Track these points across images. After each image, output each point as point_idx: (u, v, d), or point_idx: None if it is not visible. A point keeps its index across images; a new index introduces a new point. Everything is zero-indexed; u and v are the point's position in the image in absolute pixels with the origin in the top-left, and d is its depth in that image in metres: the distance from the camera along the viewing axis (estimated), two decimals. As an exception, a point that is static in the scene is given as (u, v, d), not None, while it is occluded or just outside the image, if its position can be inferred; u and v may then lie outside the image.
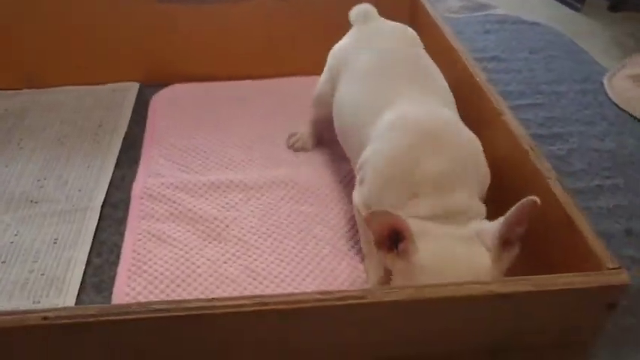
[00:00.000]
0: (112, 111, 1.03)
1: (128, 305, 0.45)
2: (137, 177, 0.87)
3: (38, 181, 0.86)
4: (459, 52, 0.85)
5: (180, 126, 0.98)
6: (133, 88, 1.09)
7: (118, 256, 0.75)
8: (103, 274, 0.73)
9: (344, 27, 0.91)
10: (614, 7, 1.61)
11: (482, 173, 0.66)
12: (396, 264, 0.57)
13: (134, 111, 1.03)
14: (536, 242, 0.61)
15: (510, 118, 0.71)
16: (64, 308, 0.45)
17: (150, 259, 0.73)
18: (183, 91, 1.08)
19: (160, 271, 0.72)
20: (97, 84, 1.09)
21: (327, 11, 1.05)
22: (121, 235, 0.78)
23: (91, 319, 0.44)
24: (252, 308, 0.45)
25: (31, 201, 0.83)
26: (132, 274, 0.71)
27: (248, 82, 1.10)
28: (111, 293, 0.69)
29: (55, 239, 0.77)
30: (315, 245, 0.76)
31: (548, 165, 0.63)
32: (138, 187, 0.85)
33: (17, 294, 0.69)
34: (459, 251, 0.56)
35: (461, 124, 0.69)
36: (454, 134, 0.67)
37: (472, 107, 0.81)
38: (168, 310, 0.44)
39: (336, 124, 0.81)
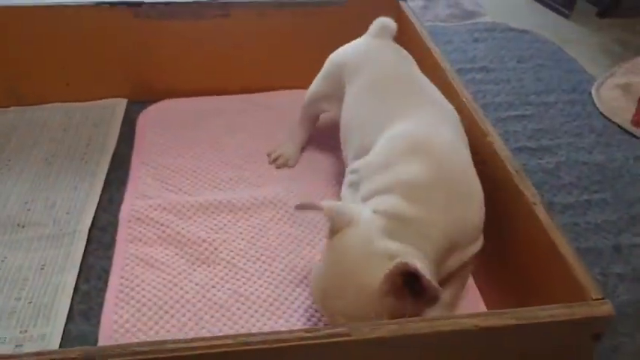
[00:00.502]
0: (100, 128, 1.02)
1: (111, 347, 0.45)
2: (124, 199, 0.87)
3: (26, 203, 0.86)
4: (445, 71, 0.85)
5: (169, 144, 0.98)
6: (121, 104, 1.08)
7: (106, 282, 0.74)
8: (91, 301, 0.72)
9: (334, 40, 0.91)
10: (602, 14, 1.61)
11: (459, 209, 0.62)
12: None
13: (122, 128, 1.03)
14: (521, 269, 0.62)
15: (496, 139, 0.71)
16: (47, 352, 0.45)
17: (138, 285, 0.73)
18: (170, 107, 1.08)
19: (147, 297, 0.71)
20: (85, 100, 1.09)
21: (315, 24, 1.05)
22: (109, 259, 0.77)
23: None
24: (235, 348, 0.45)
25: (19, 225, 0.82)
26: (119, 301, 0.71)
27: (237, 96, 1.10)
28: (99, 321, 0.69)
29: (43, 265, 0.76)
30: (304, 267, 0.76)
31: (534, 190, 0.63)
32: (125, 210, 0.84)
33: (4, 323, 0.69)
34: (354, 264, 0.57)
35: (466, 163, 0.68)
36: (449, 160, 0.65)
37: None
38: (149, 352, 0.44)
39: (342, 135, 0.82)
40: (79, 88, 1.08)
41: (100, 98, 1.09)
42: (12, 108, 1.07)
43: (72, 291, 0.73)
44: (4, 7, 1.04)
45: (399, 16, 1.04)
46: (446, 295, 0.64)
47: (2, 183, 0.89)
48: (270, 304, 0.72)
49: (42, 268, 0.76)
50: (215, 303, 0.71)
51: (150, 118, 1.05)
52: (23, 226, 0.82)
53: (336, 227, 0.60)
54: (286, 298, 0.72)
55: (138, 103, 1.09)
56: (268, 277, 0.75)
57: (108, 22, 1.02)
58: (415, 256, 0.55)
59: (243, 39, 1.05)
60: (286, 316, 0.70)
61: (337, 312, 0.57)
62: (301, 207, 0.63)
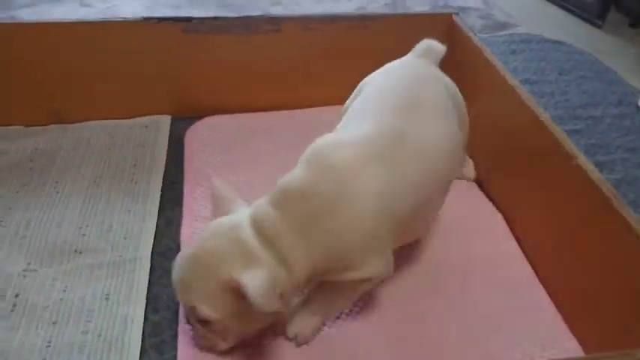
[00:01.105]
0: (146, 148, 0.99)
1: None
2: (183, 221, 0.83)
3: (80, 228, 0.82)
4: (514, 88, 0.83)
5: (220, 163, 0.95)
6: (165, 121, 1.05)
7: (175, 312, 0.71)
8: (163, 333, 0.69)
9: (385, 55, 0.88)
10: (635, 24, 1.61)
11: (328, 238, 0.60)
12: None
13: (168, 146, 1.00)
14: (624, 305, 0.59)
15: (584, 161, 0.69)
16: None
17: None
18: (217, 123, 1.04)
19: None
20: (126, 118, 1.06)
21: (366, 39, 1.03)
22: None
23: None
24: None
25: (75, 251, 0.79)
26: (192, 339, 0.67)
27: (284, 112, 1.07)
28: (174, 356, 0.66)
29: (107, 294, 0.73)
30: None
31: (636, 215, 0.61)
32: (186, 233, 0.81)
33: (75, 357, 0.65)
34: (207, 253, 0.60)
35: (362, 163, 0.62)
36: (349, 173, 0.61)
37: (534, 150, 0.78)
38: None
39: None
40: (122, 104, 1.05)
41: (143, 115, 1.06)
42: (51, 126, 1.03)
43: (142, 323, 0.69)
44: (46, 24, 1.01)
45: (452, 31, 1.02)
46: (315, 303, 0.67)
47: (53, 207, 0.86)
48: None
49: (106, 298, 0.72)
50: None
51: (197, 135, 1.01)
52: (80, 252, 0.79)
53: (216, 209, 0.66)
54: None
55: (180, 120, 1.06)
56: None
57: (154, 37, 0.98)
58: (261, 268, 0.58)
59: (292, 54, 1.02)
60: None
61: (189, 294, 0.61)
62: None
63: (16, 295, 0.72)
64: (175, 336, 0.68)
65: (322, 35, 1.01)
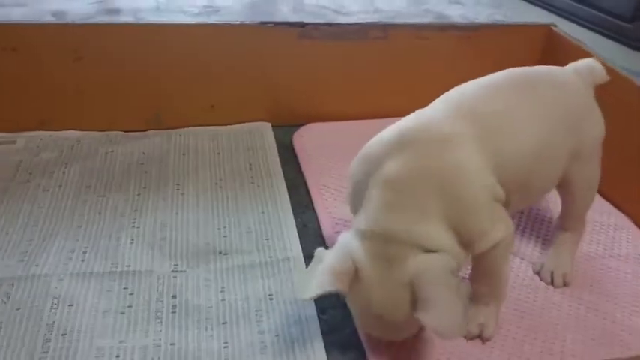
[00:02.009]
0: (255, 152, 0.97)
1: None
2: (322, 224, 0.81)
3: (218, 230, 0.79)
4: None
5: (337, 167, 0.93)
6: (266, 128, 1.04)
7: (343, 310, 0.69)
8: (340, 331, 0.66)
9: (490, 64, 0.88)
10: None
11: (457, 207, 0.57)
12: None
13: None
14: None
15: None
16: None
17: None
18: (319, 130, 1.03)
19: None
20: (224, 124, 1.04)
21: (473, 48, 1.04)
22: (334, 287, 0.72)
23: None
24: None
25: (220, 252, 0.76)
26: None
27: (384, 120, 1.07)
28: (360, 353, 0.63)
29: (270, 295, 0.70)
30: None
31: None
32: (330, 236, 0.79)
33: (260, 358, 0.62)
34: (378, 304, 0.56)
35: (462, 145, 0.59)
36: (438, 148, 0.58)
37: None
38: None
39: None
40: (223, 110, 1.03)
41: (243, 122, 1.04)
42: (151, 132, 1.00)
43: (317, 322, 0.66)
44: (149, 25, 0.99)
45: (552, 41, 1.05)
46: (479, 290, 0.65)
47: (183, 209, 0.83)
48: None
49: (270, 298, 0.69)
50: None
51: (305, 140, 1.00)
52: (226, 254, 0.76)
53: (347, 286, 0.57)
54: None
55: (281, 127, 1.05)
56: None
57: (268, 42, 0.98)
58: (428, 272, 0.54)
59: (399, 62, 1.03)
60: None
61: (394, 330, 0.60)
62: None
63: (173, 297, 0.69)
64: (354, 334, 0.66)
65: (433, 44, 1.02)
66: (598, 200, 0.92)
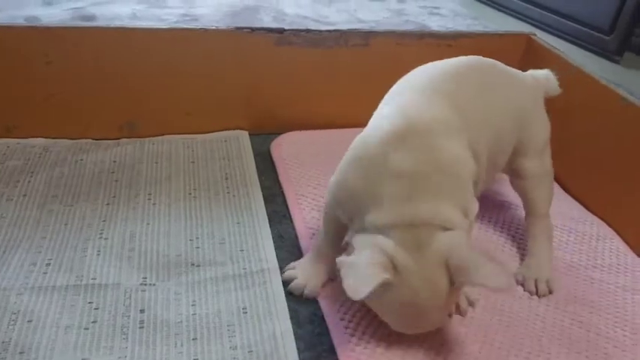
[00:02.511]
0: (232, 161, 0.94)
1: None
2: (299, 234, 0.79)
3: (191, 241, 0.76)
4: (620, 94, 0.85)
5: (316, 175, 0.91)
6: (243, 136, 1.01)
7: (320, 325, 0.66)
8: (316, 348, 0.63)
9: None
10: (649, 60, 1.71)
11: (456, 184, 0.60)
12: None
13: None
14: None
15: None
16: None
17: (363, 321, 0.65)
18: (298, 139, 1.01)
19: (385, 331, 0.63)
20: (200, 132, 1.01)
21: (441, 57, 1.03)
22: (309, 300, 0.69)
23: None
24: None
25: (192, 264, 0.72)
26: (355, 345, 0.62)
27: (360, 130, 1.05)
28: (338, 369, 0.60)
29: (244, 308, 0.66)
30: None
31: None
32: (306, 246, 0.76)
33: (230, 376, 0.59)
34: (422, 289, 0.56)
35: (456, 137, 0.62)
36: (436, 138, 0.60)
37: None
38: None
39: None
40: (199, 118, 1.00)
41: (219, 130, 1.01)
42: (124, 140, 0.97)
43: (293, 337, 0.63)
44: (123, 29, 0.96)
45: (531, 50, 1.05)
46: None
47: (154, 219, 0.79)
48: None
49: (244, 312, 0.66)
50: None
51: (283, 149, 0.97)
52: (198, 266, 0.72)
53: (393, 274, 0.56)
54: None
55: (258, 136, 1.02)
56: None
57: (245, 48, 0.95)
58: (456, 246, 0.56)
59: (379, 70, 1.01)
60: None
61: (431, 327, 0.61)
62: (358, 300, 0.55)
63: (141, 311, 0.65)
64: (331, 350, 0.63)
65: (412, 52, 1.01)
66: (581, 210, 0.91)
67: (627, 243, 0.83)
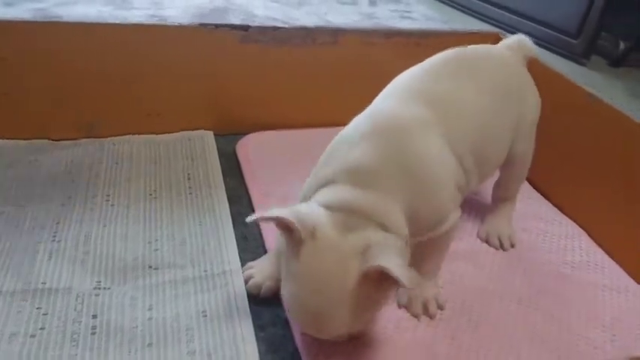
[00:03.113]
0: (195, 161, 0.91)
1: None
2: (265, 235, 0.76)
3: (149, 243, 0.72)
4: (592, 95, 0.85)
5: (284, 174, 0.88)
6: (208, 136, 0.98)
7: (283, 327, 0.63)
8: (279, 351, 0.60)
9: None
10: (614, 63, 1.73)
11: (421, 190, 0.58)
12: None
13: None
14: None
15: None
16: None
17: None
18: (265, 139, 0.98)
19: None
20: (163, 133, 0.97)
21: (418, 55, 1.02)
22: (272, 302, 0.66)
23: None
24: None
25: (150, 267, 0.69)
26: (319, 347, 0.59)
27: (333, 129, 1.03)
28: (301, 373, 0.58)
29: (203, 312, 0.63)
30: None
31: None
32: (271, 247, 0.73)
33: (187, 383, 0.55)
34: (324, 272, 0.52)
35: (432, 136, 0.60)
36: (399, 135, 0.59)
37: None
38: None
39: None
40: (162, 118, 0.96)
41: (183, 130, 0.98)
42: (83, 140, 0.93)
43: (255, 341, 0.60)
44: (81, 24, 0.92)
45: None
46: (424, 268, 0.65)
47: (111, 221, 0.75)
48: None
49: (204, 316, 0.63)
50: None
51: (249, 149, 0.95)
52: (156, 269, 0.69)
53: (299, 238, 0.52)
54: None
55: (223, 136, 0.99)
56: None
57: (209, 45, 0.92)
58: (384, 245, 0.52)
59: (347, 68, 1.00)
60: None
61: (331, 325, 0.53)
62: (257, 220, 0.55)
63: (94, 317, 0.61)
64: (295, 353, 0.60)
65: (380, 50, 0.99)
66: (550, 209, 0.90)
67: (596, 241, 0.83)
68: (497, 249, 0.78)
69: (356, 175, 0.56)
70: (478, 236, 0.80)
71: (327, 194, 0.56)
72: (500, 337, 0.64)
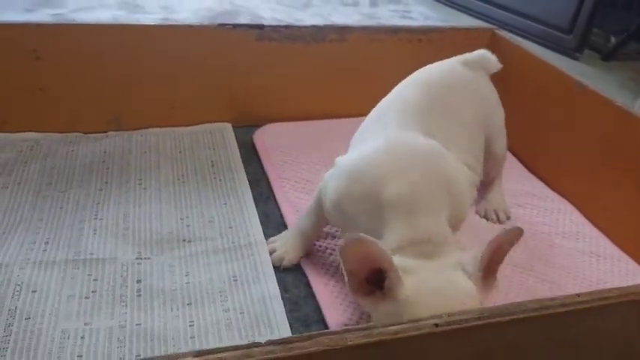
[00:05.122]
0: (217, 150, 0.99)
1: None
2: (284, 212, 0.84)
3: (181, 219, 0.81)
4: (587, 85, 0.93)
5: (299, 161, 0.96)
6: (227, 128, 1.06)
7: (306, 290, 0.71)
8: (303, 309, 0.68)
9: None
10: (606, 57, 1.81)
11: (456, 200, 0.64)
12: (380, 306, 0.55)
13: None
14: None
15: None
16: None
17: (345, 286, 0.70)
18: (279, 130, 1.06)
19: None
20: (184, 126, 1.05)
21: (420, 51, 1.10)
22: (295, 269, 0.74)
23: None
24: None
25: (184, 240, 0.77)
26: (339, 305, 0.68)
27: (348, 120, 1.10)
28: (325, 327, 0.65)
29: (234, 277, 0.71)
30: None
31: None
32: (291, 222, 0.81)
33: (225, 334, 0.63)
34: (445, 283, 0.55)
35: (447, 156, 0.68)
36: (429, 155, 0.66)
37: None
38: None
39: None
40: (184, 112, 1.04)
41: (203, 123, 1.06)
42: (112, 132, 1.01)
43: (281, 300, 0.68)
44: (108, 26, 1.01)
45: (495, 43, 1.12)
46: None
47: (145, 202, 0.84)
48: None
49: (235, 280, 0.71)
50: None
51: (265, 139, 1.03)
52: (189, 241, 0.77)
53: (396, 277, 0.54)
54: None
55: (241, 128, 1.07)
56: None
57: (227, 43, 1.01)
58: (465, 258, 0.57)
59: (355, 63, 1.08)
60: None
61: None
62: (349, 246, 0.53)
63: (138, 281, 0.69)
64: (317, 310, 0.68)
65: (386, 46, 1.07)
66: (543, 187, 0.98)
67: (585, 216, 0.91)
68: (494, 222, 0.87)
69: (405, 207, 0.60)
70: (477, 212, 0.89)
71: (393, 237, 0.59)
72: (496, 297, 0.72)
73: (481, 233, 0.84)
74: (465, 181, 0.69)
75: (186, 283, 0.70)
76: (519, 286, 0.75)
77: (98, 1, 1.74)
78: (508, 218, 0.88)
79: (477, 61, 0.85)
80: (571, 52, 1.79)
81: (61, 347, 0.60)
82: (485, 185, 0.90)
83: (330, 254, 0.77)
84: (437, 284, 0.54)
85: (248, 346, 0.42)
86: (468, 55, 0.86)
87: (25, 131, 0.98)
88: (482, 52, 0.86)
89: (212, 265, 0.73)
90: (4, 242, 0.73)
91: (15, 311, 0.63)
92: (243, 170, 0.94)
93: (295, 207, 0.85)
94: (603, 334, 0.55)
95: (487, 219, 0.88)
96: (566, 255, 0.81)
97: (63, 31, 0.97)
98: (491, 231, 0.85)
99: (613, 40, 1.84)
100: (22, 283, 0.67)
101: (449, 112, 0.75)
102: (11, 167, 0.89)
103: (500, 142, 0.86)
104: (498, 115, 0.86)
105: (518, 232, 0.54)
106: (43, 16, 1.57)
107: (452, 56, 0.97)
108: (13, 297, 0.65)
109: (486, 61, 0.85)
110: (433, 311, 0.47)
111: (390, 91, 0.86)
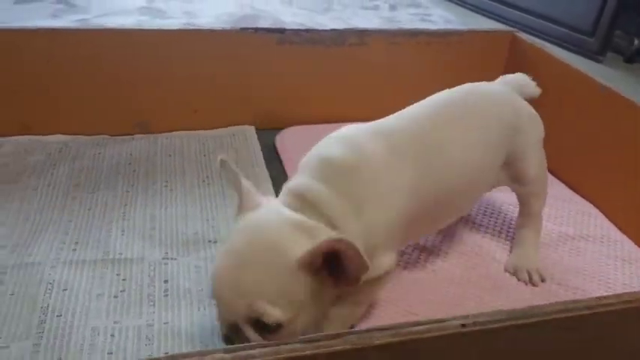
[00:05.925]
0: (240, 152, 1.01)
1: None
2: (307, 213, 0.85)
3: (207, 221, 0.82)
4: (609, 88, 0.92)
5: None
6: (250, 131, 1.07)
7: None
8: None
9: (461, 72, 0.95)
10: (629, 60, 1.80)
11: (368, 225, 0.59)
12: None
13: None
14: None
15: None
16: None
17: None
18: (301, 133, 1.08)
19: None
20: (207, 129, 1.07)
21: (440, 55, 1.11)
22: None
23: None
24: None
25: (209, 241, 0.78)
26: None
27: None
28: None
29: (259, 277, 0.72)
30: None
31: None
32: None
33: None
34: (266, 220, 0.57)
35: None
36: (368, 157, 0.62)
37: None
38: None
39: None
40: (207, 115, 1.06)
41: (226, 126, 1.08)
42: (138, 136, 1.03)
43: (305, 300, 0.69)
44: (134, 31, 1.03)
45: (515, 46, 1.12)
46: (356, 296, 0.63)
47: (172, 203, 0.85)
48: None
49: (260, 280, 0.72)
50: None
51: (287, 142, 1.04)
52: (215, 242, 0.78)
53: (246, 205, 0.60)
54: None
55: (263, 130, 1.09)
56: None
57: (249, 47, 1.02)
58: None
59: (375, 67, 1.09)
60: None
61: (249, 297, 0.52)
62: (224, 165, 0.63)
63: (165, 281, 0.71)
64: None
65: (405, 50, 1.08)
66: (569, 193, 0.97)
67: (610, 219, 0.90)
68: (526, 284, 0.76)
69: (329, 171, 0.61)
70: (505, 270, 0.78)
71: (297, 184, 0.63)
72: (519, 302, 0.72)
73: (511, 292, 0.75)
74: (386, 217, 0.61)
75: (212, 283, 0.71)
76: (541, 291, 0.74)
77: (121, 7, 1.77)
78: (543, 281, 0.76)
79: (514, 84, 0.80)
80: (593, 55, 1.77)
81: (91, 344, 0.61)
82: (519, 233, 0.81)
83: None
84: (264, 236, 0.55)
85: (277, 344, 0.43)
86: (505, 77, 0.82)
87: (52, 134, 1.01)
88: (518, 75, 0.82)
89: (237, 265, 0.74)
90: (35, 242, 0.75)
91: (47, 308, 0.65)
92: (266, 172, 0.95)
93: (318, 209, 0.86)
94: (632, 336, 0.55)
95: (517, 278, 0.76)
96: (591, 260, 0.80)
97: (89, 36, 0.99)
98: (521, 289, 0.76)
99: (636, 42, 1.82)
100: (53, 281, 0.68)
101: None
102: (41, 169, 0.91)
103: (533, 169, 0.76)
104: (533, 139, 0.77)
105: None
106: (67, 22, 1.60)
107: (472, 59, 0.98)
108: (45, 294, 0.67)
109: (523, 85, 0.80)
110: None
111: (410, 92, 0.87)
